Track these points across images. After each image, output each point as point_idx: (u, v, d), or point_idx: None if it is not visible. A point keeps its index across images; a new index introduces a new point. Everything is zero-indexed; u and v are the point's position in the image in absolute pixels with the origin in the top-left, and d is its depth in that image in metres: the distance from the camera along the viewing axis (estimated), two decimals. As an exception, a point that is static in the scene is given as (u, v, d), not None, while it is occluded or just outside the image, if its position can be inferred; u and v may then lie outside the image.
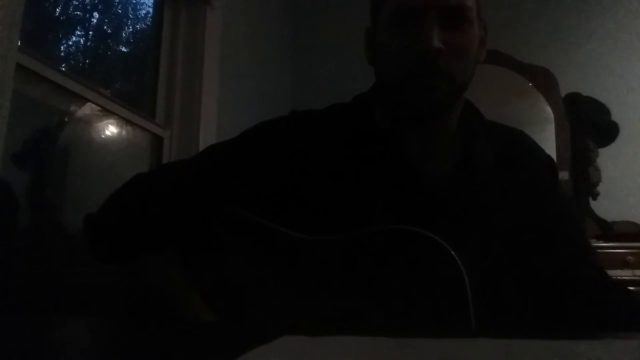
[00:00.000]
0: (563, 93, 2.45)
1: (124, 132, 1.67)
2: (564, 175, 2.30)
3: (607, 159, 2.37)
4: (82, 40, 1.68)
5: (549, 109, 2.46)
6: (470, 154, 0.74)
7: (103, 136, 1.61)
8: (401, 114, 0.74)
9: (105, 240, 0.77)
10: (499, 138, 0.78)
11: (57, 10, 1.57)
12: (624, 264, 1.92)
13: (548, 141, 2.37)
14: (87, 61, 1.70)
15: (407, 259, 0.63)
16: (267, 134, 0.79)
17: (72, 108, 1.46)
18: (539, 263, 0.71)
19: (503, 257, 0.69)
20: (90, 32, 1.71)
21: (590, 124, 2.39)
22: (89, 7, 1.69)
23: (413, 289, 0.61)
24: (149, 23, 1.96)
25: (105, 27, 1.79)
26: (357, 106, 0.80)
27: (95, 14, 1.72)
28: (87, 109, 1.51)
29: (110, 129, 1.63)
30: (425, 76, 0.67)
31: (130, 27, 1.94)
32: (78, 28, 1.66)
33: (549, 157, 0.81)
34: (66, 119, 1.45)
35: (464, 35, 0.68)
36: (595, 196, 2.34)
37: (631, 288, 1.86)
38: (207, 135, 1.84)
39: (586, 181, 2.34)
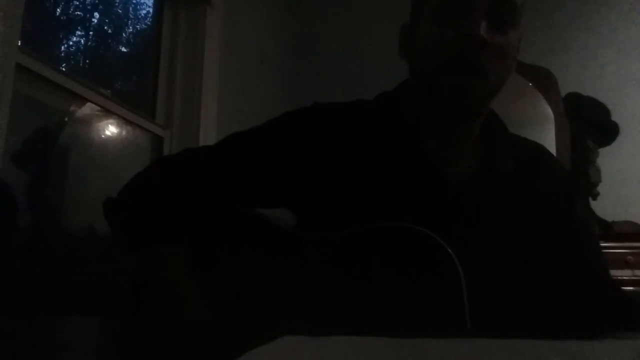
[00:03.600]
0: (563, 93, 2.45)
1: (124, 132, 1.67)
2: (564, 175, 2.30)
3: (607, 159, 2.37)
4: (82, 40, 1.68)
5: (549, 109, 2.46)
6: (491, 160, 0.74)
7: (103, 136, 1.61)
8: (431, 111, 0.73)
9: (127, 224, 0.76)
10: (521, 149, 0.78)
11: (57, 10, 1.57)
12: (624, 264, 1.92)
13: (548, 141, 2.37)
14: (87, 61, 1.70)
15: (406, 256, 0.63)
16: (291, 124, 0.79)
17: (72, 108, 1.46)
18: (549, 273, 0.70)
19: (513, 262, 0.69)
20: (91, 32, 1.71)
21: (590, 124, 2.39)
22: (89, 7, 1.69)
23: (411, 286, 0.61)
24: (149, 23, 1.96)
25: (105, 27, 1.79)
26: (383, 103, 0.79)
27: (96, 14, 1.72)
28: (87, 109, 1.51)
29: (110, 129, 1.63)
30: (462, 72, 0.66)
31: (130, 27, 1.94)
32: (78, 28, 1.66)
33: (570, 173, 0.82)
34: (66, 119, 1.45)
35: (508, 38, 0.67)
36: (595, 196, 2.34)
37: (631, 288, 1.87)
38: (207, 135, 1.84)
39: (586, 181, 2.34)
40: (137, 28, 1.97)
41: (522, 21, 0.72)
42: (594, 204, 2.34)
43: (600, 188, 2.34)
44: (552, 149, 2.36)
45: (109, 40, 1.83)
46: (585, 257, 0.74)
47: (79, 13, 1.66)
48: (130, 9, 1.90)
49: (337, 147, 0.74)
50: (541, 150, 0.82)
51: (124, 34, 1.91)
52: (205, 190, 0.76)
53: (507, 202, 0.72)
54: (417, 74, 0.74)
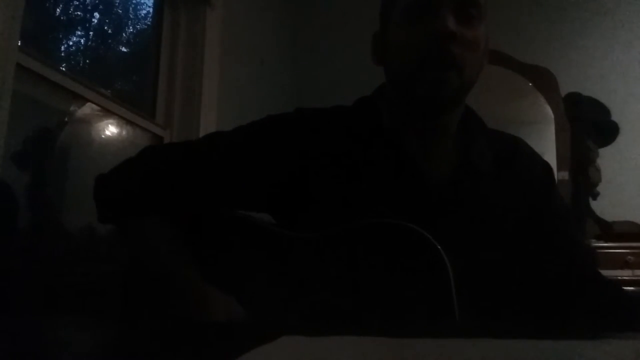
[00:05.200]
0: (563, 93, 2.45)
1: (124, 132, 1.67)
2: (564, 175, 2.30)
3: (607, 159, 2.37)
4: (82, 40, 1.68)
5: (549, 109, 2.46)
6: (470, 156, 0.75)
7: (103, 136, 1.61)
8: (410, 110, 0.75)
9: (112, 205, 0.78)
10: (498, 143, 0.80)
11: (57, 10, 1.57)
12: (624, 264, 1.92)
13: (548, 141, 2.37)
14: (87, 61, 1.70)
15: (394, 253, 0.64)
16: (273, 128, 0.80)
17: (72, 108, 1.46)
18: (535, 263, 0.72)
19: (499, 256, 0.70)
20: (91, 32, 1.71)
21: (590, 124, 2.39)
22: (89, 7, 1.69)
23: (400, 283, 0.62)
24: (149, 23, 1.96)
25: (105, 27, 1.79)
26: (361, 108, 0.81)
27: (96, 14, 1.72)
28: (87, 109, 1.51)
29: (110, 129, 1.63)
30: (437, 67, 0.68)
31: (130, 27, 1.94)
32: (78, 28, 1.66)
33: (546, 162, 0.83)
34: (66, 119, 1.45)
35: (476, 30, 0.70)
36: (595, 196, 2.34)
37: (631, 288, 1.86)
38: (207, 135, 1.84)
39: (586, 181, 2.34)
40: (137, 28, 1.97)
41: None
42: (594, 204, 2.34)
43: (600, 188, 2.34)
44: (552, 149, 2.36)
45: (109, 40, 1.83)
46: (566, 243, 0.76)
47: (79, 13, 1.66)
48: (130, 9, 1.90)
49: (319, 151, 0.75)
50: (517, 142, 0.83)
51: (124, 34, 1.91)
52: (185, 190, 0.76)
53: (487, 196, 0.74)
54: (394, 76, 0.76)
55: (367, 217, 0.67)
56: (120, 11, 1.85)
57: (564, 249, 0.74)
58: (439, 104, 0.71)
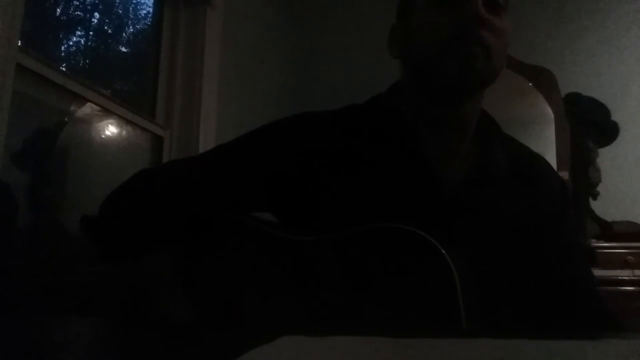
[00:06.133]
0: (563, 93, 2.45)
1: (124, 132, 1.67)
2: (564, 175, 2.30)
3: (607, 159, 2.37)
4: (82, 40, 1.68)
5: (549, 109, 2.46)
6: (485, 162, 0.74)
7: (103, 136, 1.61)
8: (433, 95, 0.73)
9: (107, 238, 0.77)
10: (516, 153, 0.78)
11: (57, 10, 1.57)
12: (624, 264, 1.92)
13: (548, 141, 2.37)
14: (87, 61, 1.70)
15: (401, 257, 0.63)
16: (281, 130, 0.79)
17: (72, 108, 1.46)
18: (537, 276, 0.71)
19: (503, 264, 0.69)
20: (91, 32, 1.71)
21: (590, 124, 2.40)
22: (89, 7, 1.69)
23: (405, 288, 0.62)
24: (149, 23, 1.96)
25: (105, 27, 1.79)
26: (377, 105, 0.80)
27: (96, 14, 1.73)
28: (87, 109, 1.51)
29: (110, 129, 1.63)
30: (467, 44, 0.67)
31: (130, 27, 1.94)
32: (78, 28, 1.66)
33: (563, 181, 0.83)
34: (66, 119, 1.45)
35: (502, 20, 0.70)
36: (595, 196, 2.34)
37: (631, 288, 1.86)
38: (207, 135, 1.84)
39: (586, 181, 2.34)
40: (137, 28, 1.97)
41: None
42: (594, 204, 2.34)
43: (600, 188, 2.34)
44: (552, 149, 2.36)
45: (109, 40, 1.83)
46: (572, 274, 0.74)
47: (79, 13, 1.66)
48: (130, 9, 1.90)
49: (328, 151, 0.74)
50: (539, 159, 0.82)
51: (124, 34, 1.91)
52: (190, 202, 0.76)
53: (499, 205, 0.72)
54: (418, 59, 0.74)
55: (377, 219, 0.66)
56: (120, 11, 1.85)
57: (565, 271, 0.74)
58: (467, 81, 0.69)
